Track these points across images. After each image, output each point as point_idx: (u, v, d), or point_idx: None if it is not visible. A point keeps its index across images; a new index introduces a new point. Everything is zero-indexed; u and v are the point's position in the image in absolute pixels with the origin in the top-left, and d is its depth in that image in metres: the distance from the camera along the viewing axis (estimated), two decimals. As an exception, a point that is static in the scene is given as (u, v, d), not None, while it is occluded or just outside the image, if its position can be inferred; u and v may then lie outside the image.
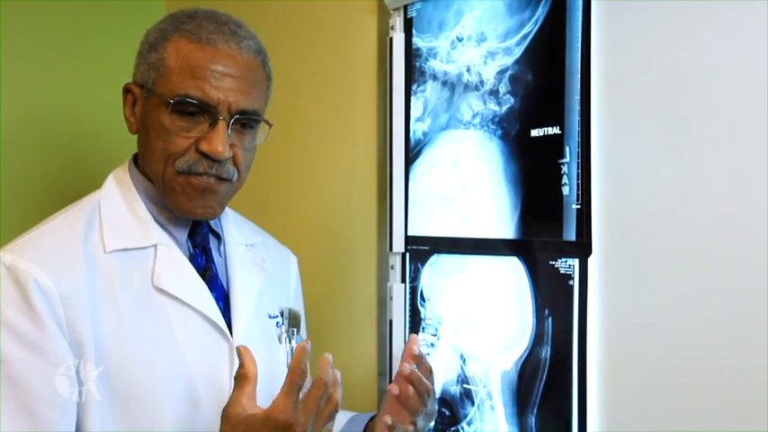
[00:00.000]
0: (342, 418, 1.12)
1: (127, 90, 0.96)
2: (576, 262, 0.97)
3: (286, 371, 1.03)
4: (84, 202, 0.95)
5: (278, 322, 1.05)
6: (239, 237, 1.05)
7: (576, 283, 0.96)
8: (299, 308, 1.13)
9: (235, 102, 0.90)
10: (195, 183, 0.91)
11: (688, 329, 0.87)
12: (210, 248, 1.00)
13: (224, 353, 0.94)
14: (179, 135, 0.90)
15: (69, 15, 1.50)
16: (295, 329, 1.08)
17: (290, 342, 1.06)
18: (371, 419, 1.08)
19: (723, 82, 0.84)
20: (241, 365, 0.82)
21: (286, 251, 1.16)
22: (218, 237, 1.03)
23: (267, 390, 0.98)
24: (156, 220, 0.95)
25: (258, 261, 1.06)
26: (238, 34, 0.93)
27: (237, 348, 0.84)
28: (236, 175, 0.94)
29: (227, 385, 0.92)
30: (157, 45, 0.92)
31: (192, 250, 0.98)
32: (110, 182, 0.97)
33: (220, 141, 0.89)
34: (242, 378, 0.82)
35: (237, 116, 0.91)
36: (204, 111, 0.90)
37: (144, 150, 0.95)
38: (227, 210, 1.07)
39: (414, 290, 1.21)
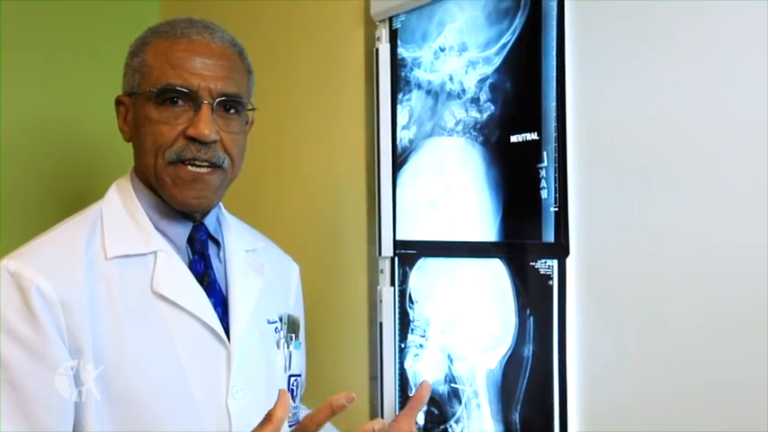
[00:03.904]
0: None
1: (118, 102, 1.01)
2: (554, 263, 1.00)
3: (285, 376, 1.07)
4: (87, 212, 0.98)
5: (276, 328, 1.08)
6: (239, 243, 1.07)
7: (555, 283, 1.00)
8: (299, 315, 1.16)
9: (215, 86, 0.94)
10: (184, 173, 0.94)
11: (663, 326, 0.90)
12: (209, 255, 1.02)
13: (221, 358, 0.96)
14: (167, 124, 0.93)
15: (66, 21, 1.54)
16: (293, 335, 1.10)
17: (287, 348, 1.09)
18: None
19: (698, 85, 0.87)
20: (275, 406, 0.82)
21: (288, 259, 1.19)
22: (218, 243, 1.05)
23: (265, 394, 1.01)
24: (157, 228, 0.98)
25: (257, 267, 1.08)
26: (211, 27, 0.99)
27: (280, 392, 0.83)
28: (227, 161, 0.97)
29: (224, 389, 0.95)
30: (138, 51, 0.98)
31: (191, 257, 1.00)
32: (112, 191, 1.00)
33: (205, 124, 0.93)
34: (266, 418, 0.82)
35: (220, 99, 0.95)
36: (187, 97, 0.94)
37: (137, 151, 0.98)
38: (228, 216, 1.10)
39: (402, 293, 1.24)
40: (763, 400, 0.81)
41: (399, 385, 1.24)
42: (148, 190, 0.99)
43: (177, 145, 0.93)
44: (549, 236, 1.01)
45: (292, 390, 1.10)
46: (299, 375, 1.12)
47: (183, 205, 0.97)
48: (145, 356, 0.90)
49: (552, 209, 1.00)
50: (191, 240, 1.01)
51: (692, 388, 0.87)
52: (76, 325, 0.87)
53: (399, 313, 1.24)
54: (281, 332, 1.09)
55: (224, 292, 1.02)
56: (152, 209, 0.99)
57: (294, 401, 1.09)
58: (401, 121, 1.24)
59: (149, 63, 0.95)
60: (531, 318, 1.03)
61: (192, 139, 0.93)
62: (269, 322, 1.07)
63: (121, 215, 0.97)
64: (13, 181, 1.46)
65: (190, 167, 0.94)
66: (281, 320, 1.09)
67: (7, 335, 0.85)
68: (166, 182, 0.95)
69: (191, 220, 1.01)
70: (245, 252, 1.08)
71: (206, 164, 0.95)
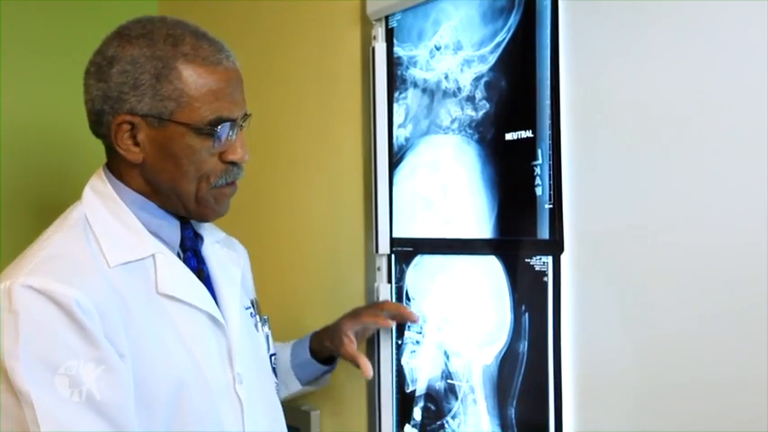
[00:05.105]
0: (284, 354, 1.22)
1: (121, 122, 0.93)
2: (549, 259, 1.01)
3: (266, 356, 1.12)
4: (70, 220, 0.95)
5: (251, 312, 1.12)
6: (211, 236, 1.10)
7: (549, 279, 1.01)
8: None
9: (242, 110, 0.98)
10: (227, 191, 0.99)
11: (658, 322, 0.91)
12: (200, 250, 1.05)
13: (223, 347, 0.99)
14: (209, 152, 0.95)
15: (64, 21, 1.55)
16: (266, 317, 1.16)
17: (264, 329, 1.14)
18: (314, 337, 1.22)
19: (693, 83, 0.88)
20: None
21: (240, 245, 1.21)
22: (201, 239, 1.07)
23: (257, 378, 1.04)
24: (149, 229, 0.97)
25: (234, 258, 1.12)
26: (227, 49, 0.97)
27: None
28: None
29: (231, 377, 0.98)
30: (164, 74, 0.91)
31: (182, 254, 1.02)
32: (89, 195, 0.97)
33: (244, 149, 0.98)
34: None
35: (243, 121, 0.99)
36: (227, 126, 0.96)
37: (165, 176, 0.95)
38: None
39: (399, 290, 1.25)
40: (763, 398, 0.81)
41: (396, 381, 1.25)
42: (135, 193, 0.97)
43: (219, 170, 0.97)
44: (543, 233, 1.02)
45: (274, 367, 1.16)
46: (275, 354, 1.18)
47: (214, 219, 1.02)
48: (163, 356, 0.92)
49: (547, 206, 1.01)
50: (181, 239, 1.02)
51: (688, 383, 0.88)
52: (113, 331, 0.87)
53: (396, 310, 1.25)
54: (257, 316, 1.13)
55: (212, 284, 1.04)
56: (142, 212, 0.97)
57: (276, 378, 1.13)
58: (397, 119, 1.25)
59: (189, 93, 0.92)
60: (527, 314, 1.04)
61: (232, 163, 0.97)
62: (245, 308, 1.10)
63: (110, 221, 0.95)
64: (6, 179, 1.46)
65: (230, 186, 0.99)
66: (252, 305, 1.14)
67: (66, 350, 0.84)
68: (209, 202, 0.98)
69: (179, 220, 1.02)
70: (218, 244, 1.10)
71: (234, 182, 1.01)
